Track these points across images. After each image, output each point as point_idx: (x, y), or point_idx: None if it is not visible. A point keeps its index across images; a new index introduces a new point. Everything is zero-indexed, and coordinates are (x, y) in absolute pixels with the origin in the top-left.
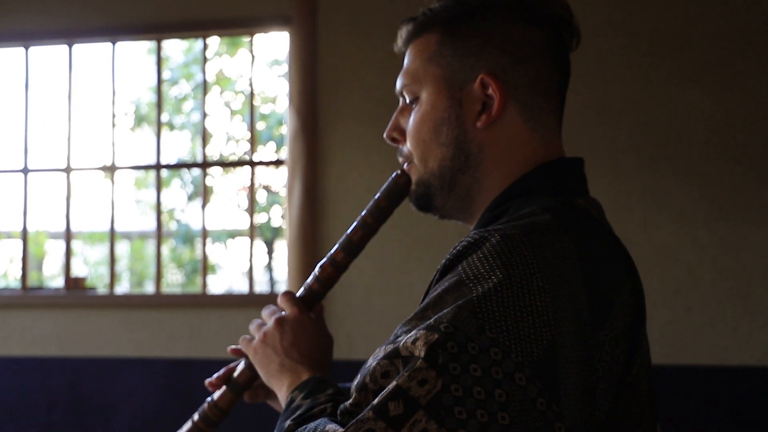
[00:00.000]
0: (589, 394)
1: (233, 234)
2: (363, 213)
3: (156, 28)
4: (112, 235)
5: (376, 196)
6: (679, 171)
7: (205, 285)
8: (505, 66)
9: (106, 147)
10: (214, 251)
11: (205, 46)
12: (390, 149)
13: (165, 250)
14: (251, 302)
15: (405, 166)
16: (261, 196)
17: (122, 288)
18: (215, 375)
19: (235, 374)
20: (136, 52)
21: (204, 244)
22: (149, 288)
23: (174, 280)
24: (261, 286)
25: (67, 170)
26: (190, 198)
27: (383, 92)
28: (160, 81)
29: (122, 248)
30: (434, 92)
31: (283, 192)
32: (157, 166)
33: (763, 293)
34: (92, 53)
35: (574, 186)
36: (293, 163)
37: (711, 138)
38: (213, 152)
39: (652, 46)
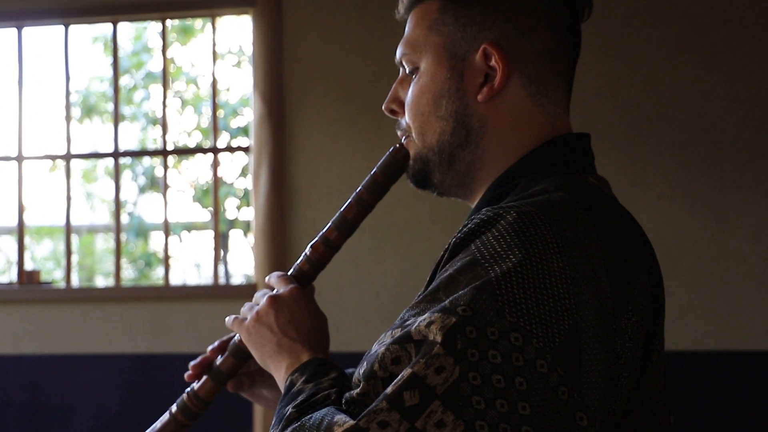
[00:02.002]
0: (612, 382)
1: (188, 227)
2: (358, 189)
3: (111, 10)
4: (68, 227)
5: (373, 171)
6: (657, 153)
7: (167, 277)
8: (510, 36)
9: (56, 137)
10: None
11: (164, 29)
12: (361, 134)
13: (115, 239)
14: (216, 294)
15: (403, 139)
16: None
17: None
18: (192, 362)
19: (218, 362)
20: (82, 40)
21: (167, 234)
22: (100, 283)
23: (126, 275)
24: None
25: (19, 159)
26: (142, 190)
27: (353, 75)
28: (116, 65)
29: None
30: (434, 62)
31: (239, 183)
32: (116, 154)
33: (744, 277)
34: (40, 38)
35: (584, 163)
36: (259, 149)
37: (689, 120)
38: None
39: (627, 26)
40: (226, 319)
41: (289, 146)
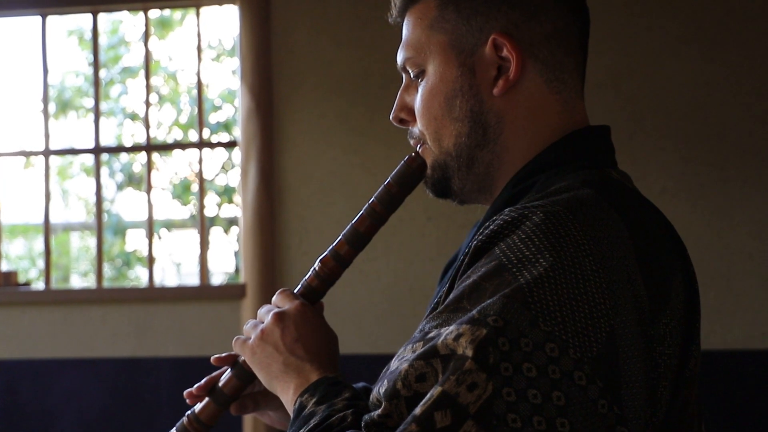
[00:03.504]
0: (651, 392)
1: (167, 224)
2: (371, 200)
3: (91, 0)
4: (47, 226)
5: (386, 182)
6: (659, 148)
7: (152, 278)
8: (518, 22)
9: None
10: (148, 242)
11: (147, 20)
12: (353, 129)
13: (96, 242)
14: (203, 295)
15: (418, 148)
16: (195, 186)
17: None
18: (196, 385)
19: (220, 383)
20: (56, 33)
21: (150, 234)
22: (76, 283)
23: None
24: (193, 279)
25: None
26: (120, 187)
27: (344, 67)
28: (96, 57)
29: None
30: (441, 62)
31: (219, 180)
32: (96, 150)
33: (748, 274)
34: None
35: (606, 157)
36: (247, 144)
37: (691, 113)
38: (143, 138)
39: (628, 17)
40: (233, 339)
41: (278, 141)
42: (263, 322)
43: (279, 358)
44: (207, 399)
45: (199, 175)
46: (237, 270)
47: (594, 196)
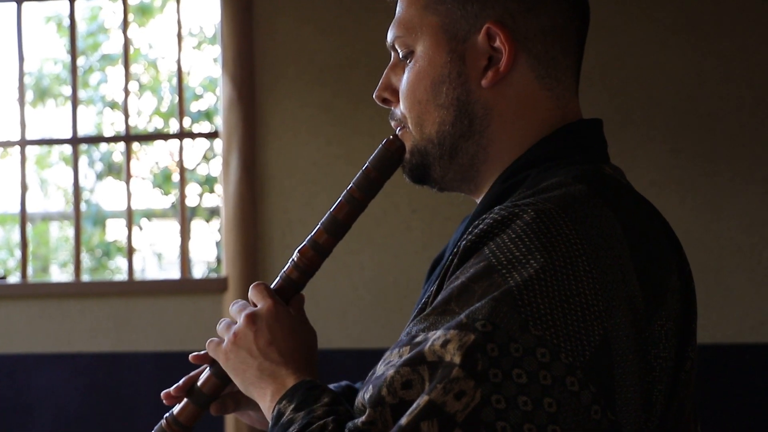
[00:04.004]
0: (646, 397)
1: (147, 214)
2: (349, 186)
3: None
4: (23, 218)
5: (365, 166)
6: (648, 139)
7: (131, 271)
8: (515, 13)
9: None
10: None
11: (126, 6)
12: (337, 119)
13: (74, 234)
14: (184, 289)
15: (398, 131)
16: (176, 175)
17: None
18: (174, 386)
19: (199, 383)
20: (33, 19)
21: (129, 225)
22: (55, 274)
23: (82, 265)
24: (175, 270)
25: None
26: (99, 177)
27: (328, 56)
28: (74, 46)
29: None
30: (432, 45)
31: (200, 169)
32: (74, 140)
33: (737, 268)
34: None
35: (598, 152)
36: (229, 134)
37: (681, 104)
38: (123, 127)
39: (617, 6)
40: (207, 342)
41: (261, 131)
42: (236, 323)
43: (253, 363)
44: (186, 400)
45: (180, 166)
46: (219, 261)
47: (587, 193)
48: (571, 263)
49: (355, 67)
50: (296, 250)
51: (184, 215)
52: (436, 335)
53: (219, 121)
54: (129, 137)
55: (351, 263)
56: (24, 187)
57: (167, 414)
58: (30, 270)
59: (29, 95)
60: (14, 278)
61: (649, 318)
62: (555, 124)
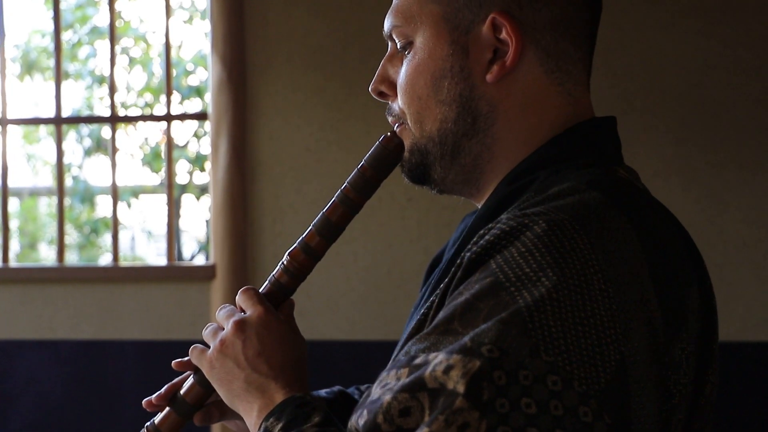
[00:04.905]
0: (664, 427)
1: (136, 191)
2: (344, 185)
3: None
4: (5, 200)
5: (360, 165)
6: (651, 128)
7: (116, 257)
8: (522, 2)
9: None
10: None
11: None
12: (330, 104)
13: (58, 216)
14: (170, 276)
15: (396, 127)
16: (164, 148)
17: (12, 250)
18: (156, 394)
19: (182, 391)
20: None
21: (115, 208)
22: (43, 251)
23: (70, 241)
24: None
25: None
26: (88, 153)
27: (321, 37)
28: (58, 19)
29: (11, 206)
30: (432, 36)
31: (191, 147)
32: (58, 120)
33: (742, 263)
34: None
35: (613, 153)
36: (218, 117)
37: (686, 92)
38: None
39: None
40: (190, 348)
41: (251, 115)
42: (223, 329)
43: (240, 374)
44: (168, 408)
45: (168, 148)
46: (208, 239)
47: (602, 201)
48: (585, 282)
49: (348, 50)
50: (287, 253)
51: (172, 198)
52: (437, 359)
53: (209, 98)
54: (115, 118)
55: (344, 253)
56: (5, 167)
57: (148, 423)
58: (18, 246)
59: (16, 68)
60: None
61: (669, 341)
62: (566, 122)
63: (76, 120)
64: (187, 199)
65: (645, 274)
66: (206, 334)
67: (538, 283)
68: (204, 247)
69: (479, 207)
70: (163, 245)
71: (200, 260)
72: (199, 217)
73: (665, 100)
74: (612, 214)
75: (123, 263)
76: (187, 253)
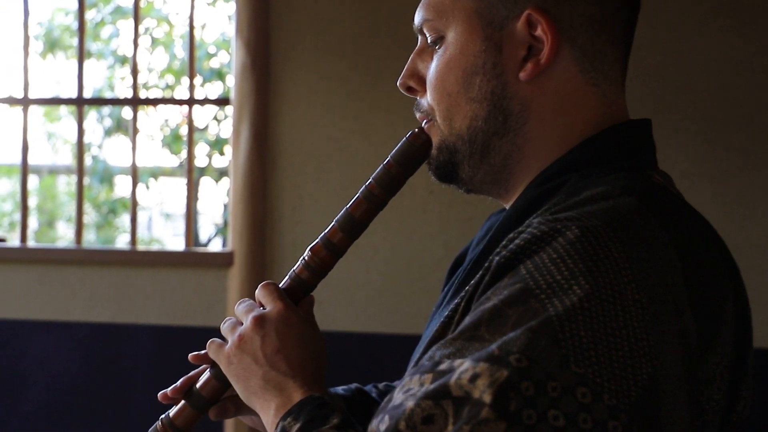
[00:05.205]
0: None
1: (155, 172)
2: (368, 181)
3: None
4: (24, 178)
5: (386, 161)
6: (681, 128)
7: (134, 240)
8: None
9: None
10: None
11: None
12: (354, 93)
13: (77, 198)
14: (188, 262)
15: (424, 123)
16: (183, 131)
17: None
18: (171, 387)
19: (198, 385)
20: None
21: (134, 191)
22: (61, 229)
23: (88, 221)
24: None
25: None
26: (108, 133)
27: (347, 25)
28: (82, 4)
29: (31, 184)
30: (465, 31)
31: (211, 130)
32: (79, 101)
33: (767, 268)
34: None
35: (648, 157)
36: (240, 103)
37: (718, 92)
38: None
39: None
40: (208, 342)
41: (274, 101)
42: (242, 324)
43: (258, 371)
44: (183, 402)
45: (189, 133)
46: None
47: (637, 207)
48: (619, 291)
49: (375, 38)
50: (308, 249)
51: (191, 183)
52: (463, 367)
53: (231, 81)
54: (136, 100)
55: (363, 244)
56: (25, 145)
57: (163, 416)
58: (36, 223)
59: (39, 46)
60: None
61: (703, 355)
62: (600, 123)
63: (97, 101)
64: (206, 182)
65: (680, 284)
66: (225, 328)
67: (569, 291)
68: (221, 231)
69: (507, 208)
70: (179, 225)
71: (217, 244)
72: (217, 201)
73: (696, 100)
74: (647, 221)
75: (141, 247)
76: (203, 236)
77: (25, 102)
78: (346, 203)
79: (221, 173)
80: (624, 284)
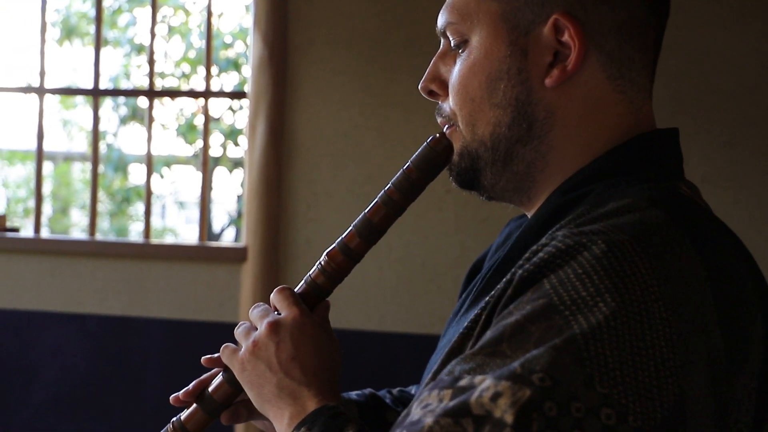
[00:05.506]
0: None
1: (169, 161)
2: (387, 186)
3: None
4: (39, 174)
5: (406, 166)
6: (703, 130)
7: (148, 233)
8: (587, 3)
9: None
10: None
11: None
12: (371, 89)
13: (91, 190)
14: (201, 256)
15: (445, 128)
16: (198, 120)
17: (44, 214)
18: (183, 390)
19: (210, 388)
20: None
21: (148, 181)
22: (74, 216)
23: (101, 208)
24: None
25: None
26: (123, 121)
27: (365, 19)
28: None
29: (46, 170)
30: (489, 35)
31: (226, 119)
32: (95, 92)
33: None
34: None
35: (675, 167)
36: (257, 97)
37: (741, 95)
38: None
39: None
40: (221, 347)
41: (290, 96)
42: (256, 329)
43: (272, 378)
44: (195, 405)
45: (204, 125)
46: (239, 214)
47: (664, 221)
48: (646, 309)
49: (393, 33)
50: (325, 253)
51: (206, 176)
52: (485, 384)
53: (247, 71)
54: (152, 92)
55: (378, 242)
56: (41, 136)
57: (174, 419)
58: (50, 210)
59: (56, 33)
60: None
61: (731, 376)
62: (627, 132)
63: (113, 93)
64: (220, 172)
65: (709, 304)
66: (239, 333)
67: (594, 308)
68: (234, 222)
69: (529, 216)
70: (192, 213)
71: (230, 234)
72: (230, 191)
73: (718, 102)
74: (675, 235)
75: (154, 241)
76: (217, 226)
77: (41, 91)
78: (360, 200)
79: (236, 163)
80: (651, 302)
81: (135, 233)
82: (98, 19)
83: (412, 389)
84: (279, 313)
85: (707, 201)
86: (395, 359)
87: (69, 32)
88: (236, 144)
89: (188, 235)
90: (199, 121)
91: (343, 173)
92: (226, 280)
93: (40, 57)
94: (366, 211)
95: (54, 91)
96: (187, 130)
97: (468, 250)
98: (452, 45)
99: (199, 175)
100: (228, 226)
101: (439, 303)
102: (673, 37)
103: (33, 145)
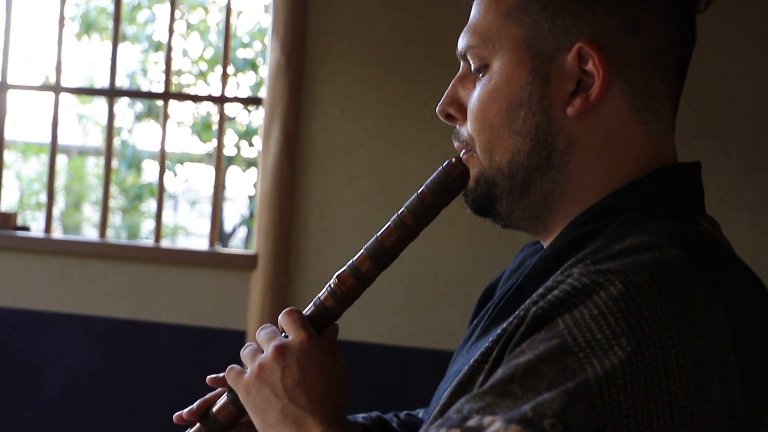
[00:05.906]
0: None
1: (182, 159)
2: (401, 210)
3: None
4: (52, 173)
5: (420, 190)
6: (722, 153)
7: (159, 235)
8: (613, 32)
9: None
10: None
11: None
12: (388, 99)
13: (103, 192)
14: (211, 262)
15: (462, 153)
16: (214, 118)
17: (56, 209)
18: (187, 409)
19: (215, 409)
20: None
21: (161, 180)
22: (86, 211)
23: (113, 204)
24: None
25: (3, 87)
26: (138, 118)
27: (385, 29)
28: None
29: (59, 163)
30: (511, 61)
31: (241, 119)
32: (111, 92)
33: None
34: None
35: (696, 203)
36: (272, 103)
37: (763, 118)
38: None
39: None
40: (227, 369)
41: (306, 104)
42: (263, 352)
43: (277, 404)
44: (198, 425)
45: (219, 127)
46: (252, 215)
47: (684, 262)
48: (663, 354)
49: (412, 44)
50: (335, 276)
51: (219, 178)
52: (494, 426)
53: (263, 71)
54: (168, 95)
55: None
56: (55, 134)
57: None
58: (62, 204)
59: (75, 27)
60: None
61: (749, 426)
62: (647, 165)
63: (129, 94)
64: (234, 171)
65: (728, 351)
66: (245, 355)
67: (610, 352)
68: (246, 222)
69: (545, 246)
70: (204, 207)
71: (241, 233)
72: (243, 190)
73: (739, 125)
74: (695, 277)
75: (165, 245)
76: (228, 225)
77: (57, 89)
78: (374, 211)
79: (249, 163)
80: (669, 347)
81: (146, 231)
82: (117, 19)
83: (420, 413)
84: (286, 336)
85: (723, 225)
86: (403, 373)
87: (88, 27)
88: (251, 144)
89: (199, 230)
90: (215, 117)
91: (357, 183)
92: (236, 287)
93: (57, 53)
94: (378, 234)
95: (71, 90)
96: (201, 129)
97: (480, 265)
98: (472, 69)
99: (213, 173)
100: (240, 225)
101: (449, 318)
102: (695, 59)
103: (48, 138)
